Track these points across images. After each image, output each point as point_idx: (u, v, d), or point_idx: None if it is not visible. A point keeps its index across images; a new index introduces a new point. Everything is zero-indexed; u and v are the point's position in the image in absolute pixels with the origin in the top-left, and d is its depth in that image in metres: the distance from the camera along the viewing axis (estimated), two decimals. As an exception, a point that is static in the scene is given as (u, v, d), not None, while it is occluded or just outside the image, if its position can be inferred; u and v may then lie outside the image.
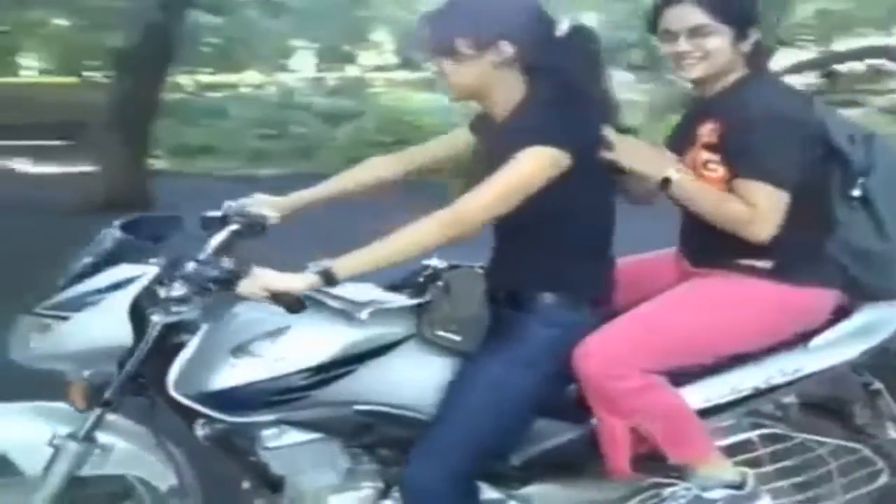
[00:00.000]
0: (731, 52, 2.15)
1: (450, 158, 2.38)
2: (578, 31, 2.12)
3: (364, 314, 2.03)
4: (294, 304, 1.95)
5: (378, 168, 2.43)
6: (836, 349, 2.20)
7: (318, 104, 14.09)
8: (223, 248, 2.07)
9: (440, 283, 2.11)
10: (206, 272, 1.96)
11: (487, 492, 2.17)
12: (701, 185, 2.12)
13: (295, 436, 2.10)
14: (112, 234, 2.11)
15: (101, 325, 2.00)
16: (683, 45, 2.14)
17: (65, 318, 2.00)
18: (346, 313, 2.04)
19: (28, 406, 2.13)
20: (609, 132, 2.11)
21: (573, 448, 2.15)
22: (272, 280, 1.94)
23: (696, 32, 2.12)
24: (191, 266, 1.97)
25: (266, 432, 2.09)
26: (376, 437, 2.13)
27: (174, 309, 2.00)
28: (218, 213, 2.24)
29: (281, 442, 2.10)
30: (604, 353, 2.06)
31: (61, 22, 13.09)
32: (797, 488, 2.29)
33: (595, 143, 2.07)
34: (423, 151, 2.44)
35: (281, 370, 2.03)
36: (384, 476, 2.16)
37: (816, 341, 2.20)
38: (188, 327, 2.06)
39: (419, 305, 2.11)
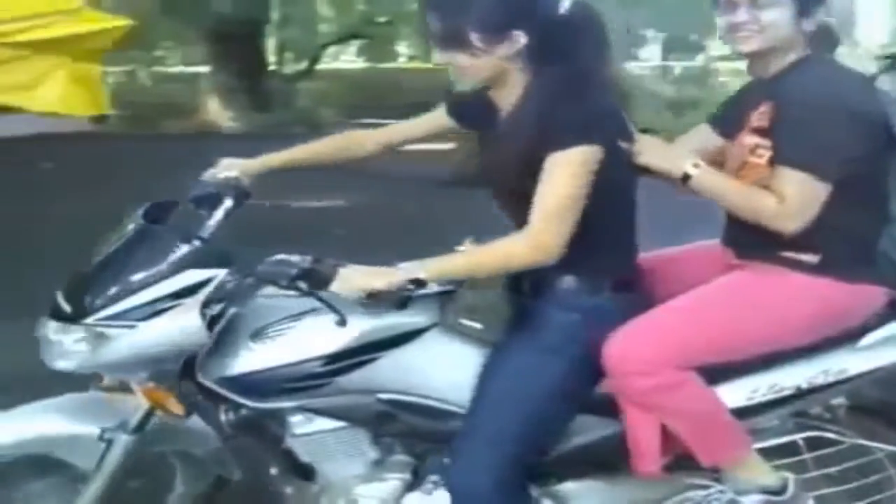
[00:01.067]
0: (791, 28, 2.01)
1: (428, 137, 2.38)
2: (581, 9, 2.01)
3: None
4: (396, 302, 1.89)
5: (356, 140, 2.41)
6: (886, 349, 2.07)
7: (665, 92, 13.95)
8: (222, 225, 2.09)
9: None
10: (286, 271, 1.90)
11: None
12: (723, 178, 2.04)
13: (322, 423, 2.08)
14: (135, 223, 2.07)
15: (178, 330, 1.94)
16: (742, 15, 2.01)
17: (130, 327, 1.94)
18: None
19: (63, 400, 2.13)
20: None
21: (607, 446, 2.08)
22: (366, 279, 1.89)
23: (756, 2, 1.99)
24: (267, 265, 1.93)
25: (293, 419, 2.08)
26: (401, 426, 2.09)
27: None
28: (211, 191, 2.18)
29: (308, 429, 2.08)
30: (631, 347, 1.98)
31: (432, 12, 14.50)
32: (852, 495, 2.15)
33: (616, 129, 2.00)
34: (402, 130, 2.41)
35: (298, 356, 2.01)
36: (414, 468, 2.13)
37: (865, 341, 2.07)
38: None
39: (443, 293, 2.06)
